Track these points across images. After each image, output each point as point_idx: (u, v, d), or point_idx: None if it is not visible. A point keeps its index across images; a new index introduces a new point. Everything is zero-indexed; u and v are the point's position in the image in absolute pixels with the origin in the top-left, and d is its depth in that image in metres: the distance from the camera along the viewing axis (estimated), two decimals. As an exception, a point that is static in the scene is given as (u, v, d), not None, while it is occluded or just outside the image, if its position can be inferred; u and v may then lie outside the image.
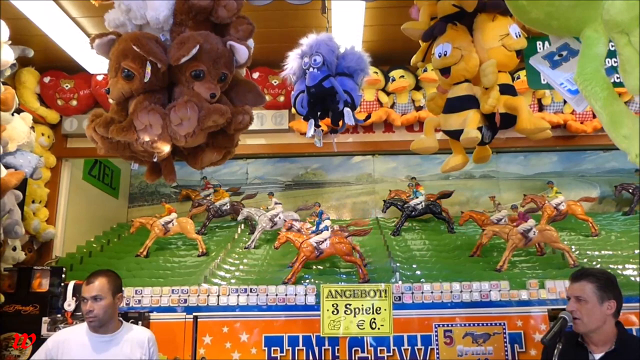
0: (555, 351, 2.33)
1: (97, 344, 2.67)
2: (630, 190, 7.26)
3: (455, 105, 3.18)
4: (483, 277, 5.03)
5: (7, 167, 4.44)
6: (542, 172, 7.92)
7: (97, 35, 2.59)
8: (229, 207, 7.19)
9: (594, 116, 6.18)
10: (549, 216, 6.41)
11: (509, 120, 3.04)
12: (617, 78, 2.46)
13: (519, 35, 3.07)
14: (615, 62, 2.45)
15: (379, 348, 4.59)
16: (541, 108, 6.38)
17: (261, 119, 6.32)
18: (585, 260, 5.58)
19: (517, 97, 3.10)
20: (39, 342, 4.49)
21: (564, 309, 2.49)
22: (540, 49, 3.18)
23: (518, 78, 5.60)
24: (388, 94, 6.39)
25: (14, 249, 5.22)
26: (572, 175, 7.88)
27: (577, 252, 5.77)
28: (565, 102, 6.26)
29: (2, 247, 4.88)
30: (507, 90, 3.09)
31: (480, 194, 7.88)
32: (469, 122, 3.05)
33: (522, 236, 5.45)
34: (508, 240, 5.49)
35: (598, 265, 5.44)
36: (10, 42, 3.83)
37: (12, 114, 4.76)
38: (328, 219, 5.49)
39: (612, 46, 1.78)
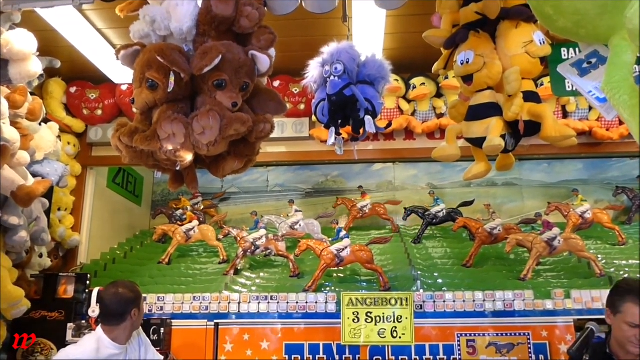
0: (583, 363, 2.28)
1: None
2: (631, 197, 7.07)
3: (478, 112, 3.15)
4: (507, 286, 4.95)
5: (34, 175, 4.53)
6: (566, 180, 7.77)
7: (123, 46, 2.65)
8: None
9: (621, 123, 6.07)
10: (574, 224, 6.29)
11: (533, 127, 3.00)
12: (646, 87, 2.41)
13: (543, 42, 3.03)
14: (643, 70, 2.40)
15: (400, 357, 4.55)
16: (565, 115, 6.27)
17: (282, 127, 6.35)
18: (612, 269, 5.45)
19: (541, 105, 3.06)
20: (64, 348, 4.56)
21: (590, 320, 2.42)
22: (564, 55, 3.13)
23: (542, 85, 5.52)
24: (409, 101, 6.35)
25: (41, 255, 5.32)
26: (598, 182, 7.72)
27: (604, 262, 5.64)
28: (590, 108, 6.16)
29: (29, 254, 4.97)
30: (531, 97, 3.05)
31: (503, 202, 7.77)
32: (492, 130, 3.01)
33: (547, 245, 5.36)
34: (532, 249, 5.40)
35: (625, 275, 5.31)
36: (38, 53, 3.92)
37: (40, 124, 4.87)
38: (347, 237, 5.47)
39: (640, 54, 1.74)
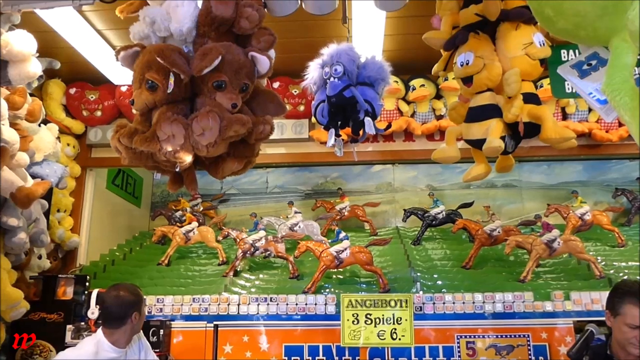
0: (583, 365, 2.28)
1: None
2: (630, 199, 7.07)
3: (478, 114, 3.16)
4: (506, 287, 4.95)
5: (33, 176, 4.53)
6: (566, 182, 7.77)
7: (122, 47, 2.64)
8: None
9: (620, 125, 6.07)
10: (574, 226, 6.29)
11: (533, 129, 3.00)
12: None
13: (543, 44, 3.04)
14: (644, 71, 2.40)
15: (400, 359, 4.54)
16: (565, 116, 6.27)
17: (281, 128, 6.35)
18: (611, 271, 5.44)
19: (541, 106, 3.06)
20: (63, 349, 4.56)
21: (590, 322, 2.42)
22: (564, 57, 3.14)
23: (541, 86, 5.52)
24: (408, 103, 6.36)
25: (40, 257, 5.31)
26: (598, 184, 7.72)
27: (604, 263, 5.63)
28: (590, 110, 6.16)
29: (28, 255, 4.96)
30: (531, 99, 3.05)
31: (503, 204, 7.76)
32: (492, 132, 3.02)
33: (546, 246, 5.35)
34: (532, 251, 5.40)
35: (625, 277, 5.31)
36: (37, 54, 3.92)
37: (39, 125, 4.87)
38: (346, 238, 5.46)
39: (640, 56, 1.74)
